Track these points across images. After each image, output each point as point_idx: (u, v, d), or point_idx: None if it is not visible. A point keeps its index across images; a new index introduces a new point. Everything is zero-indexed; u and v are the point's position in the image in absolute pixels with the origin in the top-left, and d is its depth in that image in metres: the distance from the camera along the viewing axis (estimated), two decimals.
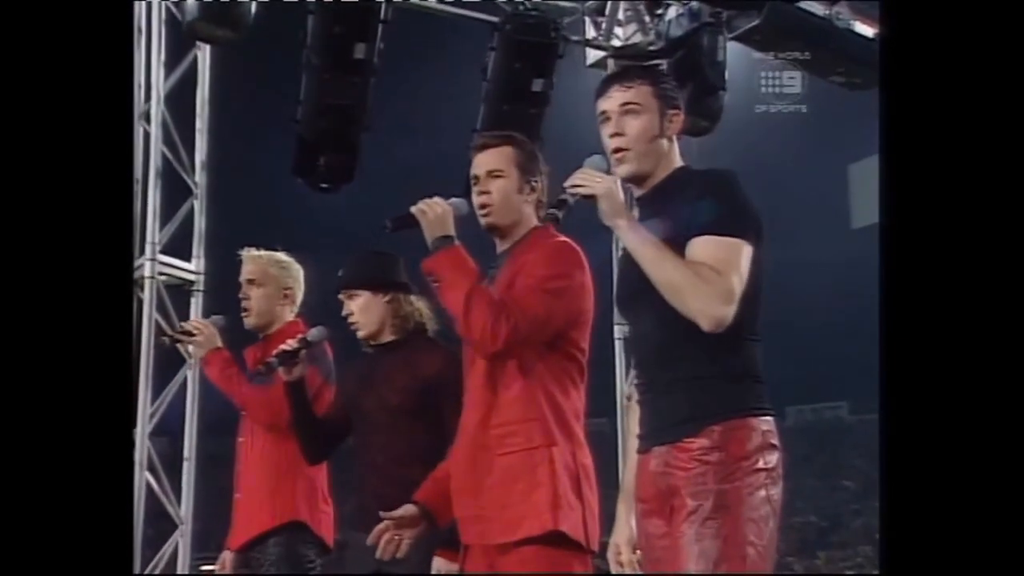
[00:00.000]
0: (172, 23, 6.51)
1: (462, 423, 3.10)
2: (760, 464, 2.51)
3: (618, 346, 7.30)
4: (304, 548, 3.94)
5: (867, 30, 7.44)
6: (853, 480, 37.51)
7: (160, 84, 6.54)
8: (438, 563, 3.34)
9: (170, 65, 6.63)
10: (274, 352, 3.75)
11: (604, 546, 3.11)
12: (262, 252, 4.22)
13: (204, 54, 6.81)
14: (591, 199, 2.55)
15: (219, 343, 4.15)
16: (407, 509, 3.15)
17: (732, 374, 2.56)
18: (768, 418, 2.56)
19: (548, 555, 2.91)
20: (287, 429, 3.86)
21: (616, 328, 7.14)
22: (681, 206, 2.54)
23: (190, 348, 4.21)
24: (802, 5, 7.23)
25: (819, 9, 7.34)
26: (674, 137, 2.73)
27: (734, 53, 7.36)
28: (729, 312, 2.45)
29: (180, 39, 6.60)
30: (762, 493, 2.50)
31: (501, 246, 3.15)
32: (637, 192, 2.70)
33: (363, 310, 3.70)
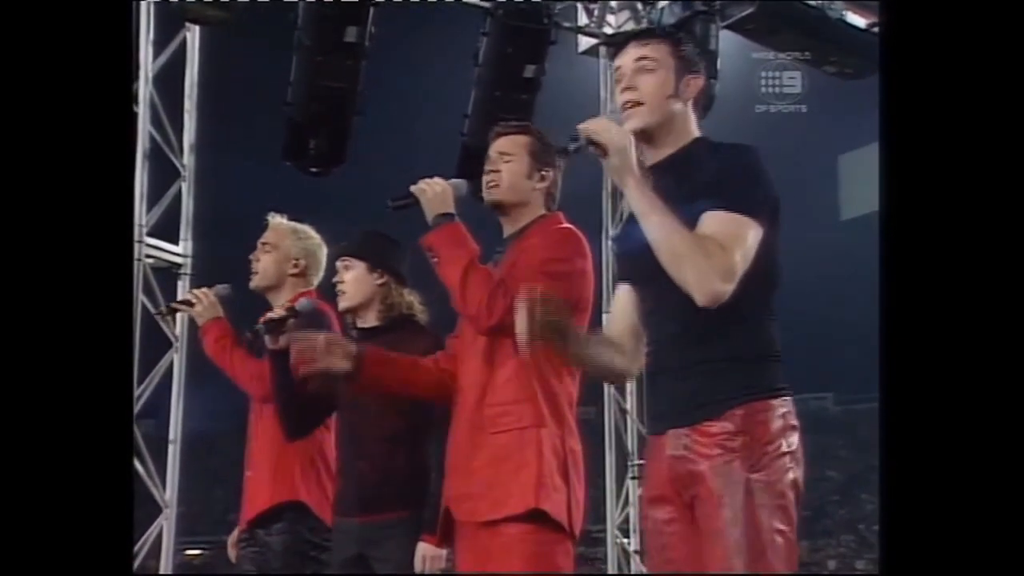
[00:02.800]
0: (162, 3, 6.46)
1: (459, 403, 3.11)
2: (784, 447, 2.40)
3: None
4: (307, 534, 3.82)
5: (859, 20, 7.45)
6: (837, 470, 37.67)
7: (149, 64, 6.50)
8: (423, 548, 3.34)
9: (159, 45, 6.59)
10: (261, 319, 3.71)
11: (587, 534, 3.10)
12: (285, 220, 4.16)
13: (194, 34, 6.77)
14: (602, 149, 2.41)
15: (220, 312, 4.02)
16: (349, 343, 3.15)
17: (752, 354, 2.46)
18: (787, 398, 2.46)
19: (530, 534, 2.93)
20: None
21: (604, 317, 7.12)
22: (697, 180, 2.44)
23: (179, 320, 4.06)
24: None
25: None
26: (690, 104, 2.60)
27: (735, 52, 7.34)
28: (727, 289, 2.35)
29: (170, 19, 6.56)
30: (789, 476, 2.39)
31: (508, 230, 3.18)
32: (652, 160, 2.58)
33: (354, 281, 3.69)
